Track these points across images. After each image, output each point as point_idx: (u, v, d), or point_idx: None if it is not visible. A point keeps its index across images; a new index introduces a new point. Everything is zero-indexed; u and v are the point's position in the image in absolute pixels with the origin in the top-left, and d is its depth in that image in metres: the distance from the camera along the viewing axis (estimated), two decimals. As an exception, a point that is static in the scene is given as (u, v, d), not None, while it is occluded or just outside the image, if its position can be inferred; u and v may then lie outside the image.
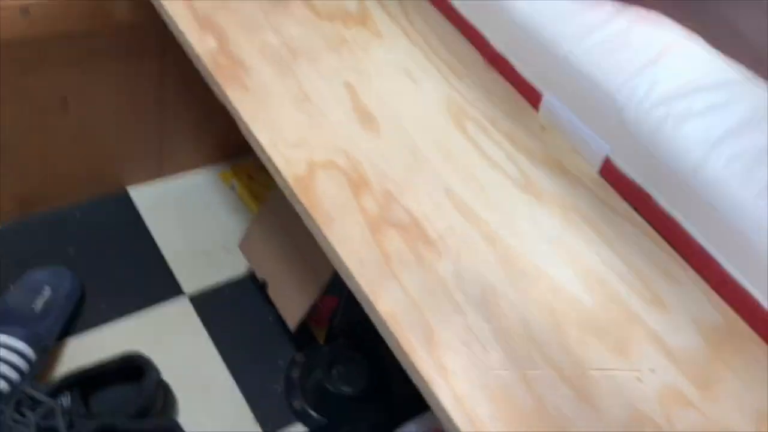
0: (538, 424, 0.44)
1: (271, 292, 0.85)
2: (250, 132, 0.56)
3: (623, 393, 0.47)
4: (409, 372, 0.46)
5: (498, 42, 0.70)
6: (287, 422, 0.84)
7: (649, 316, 0.53)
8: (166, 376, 0.81)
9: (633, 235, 0.59)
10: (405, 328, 0.46)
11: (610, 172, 0.62)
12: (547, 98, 0.66)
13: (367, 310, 0.48)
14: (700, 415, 0.48)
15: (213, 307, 0.93)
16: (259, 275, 0.87)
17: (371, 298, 0.47)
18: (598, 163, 0.63)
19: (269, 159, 0.55)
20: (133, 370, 0.75)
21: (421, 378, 0.45)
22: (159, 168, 1.05)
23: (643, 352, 0.50)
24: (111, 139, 0.96)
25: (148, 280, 0.93)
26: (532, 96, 0.68)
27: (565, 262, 0.55)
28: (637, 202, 0.61)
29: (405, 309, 0.47)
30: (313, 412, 0.85)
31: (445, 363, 0.45)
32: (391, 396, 0.83)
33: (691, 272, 0.58)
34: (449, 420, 0.43)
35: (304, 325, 0.87)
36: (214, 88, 0.59)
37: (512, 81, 0.70)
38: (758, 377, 0.53)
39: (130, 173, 1.02)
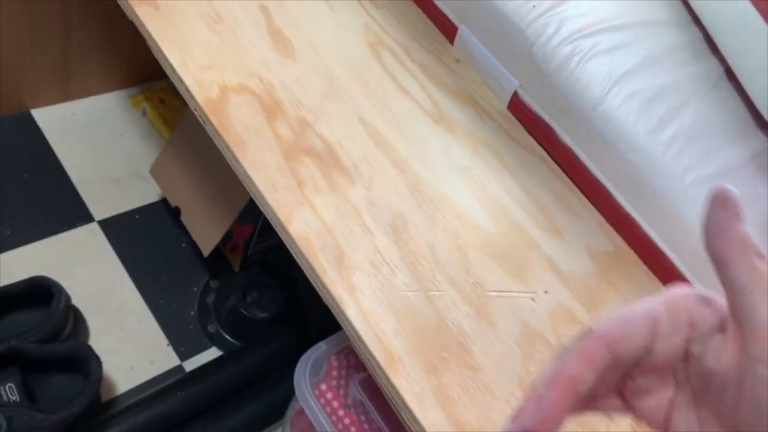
0: (438, 339, 0.47)
1: (185, 219, 0.84)
2: (160, 51, 0.55)
3: (518, 312, 0.51)
4: (320, 291, 0.48)
5: (416, -28, 0.70)
6: (201, 345, 0.86)
7: (546, 244, 0.57)
8: (77, 302, 0.80)
9: (536, 167, 0.62)
10: (316, 250, 0.48)
11: (517, 107, 0.65)
12: (462, 31, 0.67)
13: (279, 232, 0.49)
14: (586, 331, 0.53)
15: (124, 233, 0.91)
16: (172, 201, 0.86)
17: (283, 220, 0.48)
18: (506, 98, 0.65)
19: (180, 80, 0.54)
20: (40, 294, 0.74)
21: (331, 296, 0.47)
22: (65, 91, 1.00)
23: (539, 276, 0.54)
24: (12, 60, 0.90)
25: (56, 206, 0.90)
26: (447, 28, 0.69)
27: (471, 192, 0.57)
28: (542, 136, 0.64)
29: (317, 232, 0.49)
30: (227, 336, 0.87)
31: (354, 283, 0.47)
32: (304, 320, 0.86)
33: (587, 204, 0.62)
34: (357, 334, 0.45)
35: (218, 253, 0.88)
36: (125, 8, 0.57)
37: (428, 12, 0.70)
38: (640, 298, 0.58)
39: (33, 95, 0.97)
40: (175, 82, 0.54)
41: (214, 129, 0.52)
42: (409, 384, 0.44)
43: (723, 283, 0.28)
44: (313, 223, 0.49)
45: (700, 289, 0.30)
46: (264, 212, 0.50)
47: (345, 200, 0.52)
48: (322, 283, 0.47)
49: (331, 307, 0.47)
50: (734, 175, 0.58)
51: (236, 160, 0.51)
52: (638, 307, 0.30)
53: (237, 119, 0.53)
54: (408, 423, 0.43)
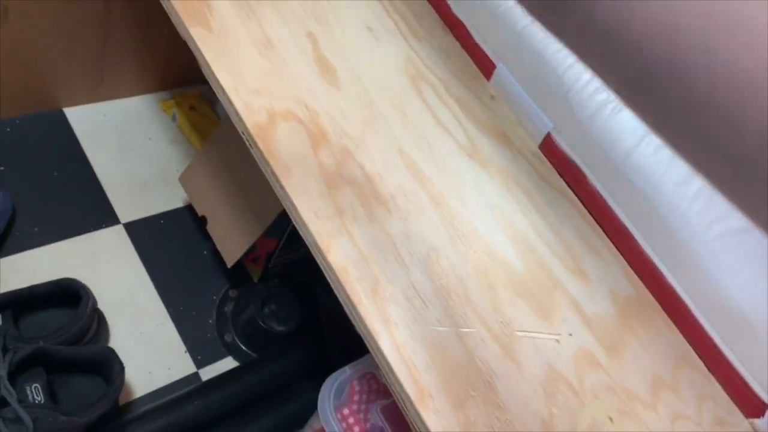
0: (466, 376, 0.48)
1: (210, 229, 0.86)
2: (212, 73, 0.56)
3: (543, 353, 0.52)
4: (354, 320, 0.49)
5: (456, 7, 0.72)
6: (217, 354, 0.87)
7: (572, 285, 0.58)
8: (98, 302, 0.81)
9: (565, 208, 0.64)
10: (353, 280, 0.49)
11: (550, 148, 0.66)
12: (500, 69, 0.69)
13: (318, 260, 0.51)
14: (606, 375, 0.54)
15: (148, 236, 0.93)
16: (199, 210, 0.88)
17: (324, 249, 0.50)
18: (539, 138, 0.67)
19: (230, 103, 0.55)
20: (67, 296, 0.75)
21: (366, 327, 0.48)
22: (98, 91, 1.02)
23: (564, 317, 0.56)
24: (50, 56, 0.92)
25: (83, 206, 0.92)
26: (485, 65, 0.70)
27: (501, 228, 0.59)
28: (571, 178, 0.65)
29: (354, 262, 0.50)
30: (243, 347, 0.88)
31: (388, 315, 0.49)
32: (321, 336, 0.87)
33: (612, 248, 0.64)
34: (389, 366, 0.47)
35: (238, 263, 0.89)
36: (179, 27, 0.59)
37: (468, 47, 0.72)
38: (658, 345, 0.59)
39: (67, 93, 0.99)
40: (224, 105, 0.56)
41: (261, 153, 0.53)
42: (437, 419, 0.45)
43: None
44: (351, 253, 0.51)
45: None
46: (305, 239, 0.52)
47: (382, 231, 0.53)
48: (357, 312, 0.48)
49: (364, 337, 0.49)
50: (754, 231, 0.60)
51: (281, 186, 0.52)
52: None
53: (283, 145, 0.54)
54: (435, 457, 0.45)
